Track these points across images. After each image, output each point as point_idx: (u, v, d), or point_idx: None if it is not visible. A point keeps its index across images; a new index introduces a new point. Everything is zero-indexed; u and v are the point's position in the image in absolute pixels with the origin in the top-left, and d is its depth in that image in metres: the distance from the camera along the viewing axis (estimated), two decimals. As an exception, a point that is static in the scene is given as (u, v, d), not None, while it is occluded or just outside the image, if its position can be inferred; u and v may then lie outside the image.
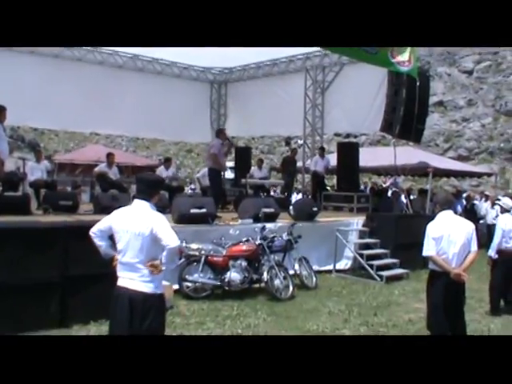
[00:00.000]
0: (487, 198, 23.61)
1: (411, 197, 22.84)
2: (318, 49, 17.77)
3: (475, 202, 23.51)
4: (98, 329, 8.32)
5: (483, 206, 22.69)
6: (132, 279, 5.24)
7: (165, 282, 10.06)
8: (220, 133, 15.44)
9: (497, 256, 10.23)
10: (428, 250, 6.96)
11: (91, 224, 9.92)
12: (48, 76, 17.86)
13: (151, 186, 5.50)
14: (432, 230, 6.98)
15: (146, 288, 5.20)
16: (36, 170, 15.25)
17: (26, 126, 34.38)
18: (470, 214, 19.80)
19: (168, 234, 5.15)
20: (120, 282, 5.31)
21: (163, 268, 5.18)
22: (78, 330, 8.22)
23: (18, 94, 16.03)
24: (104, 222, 5.48)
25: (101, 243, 5.56)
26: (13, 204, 12.73)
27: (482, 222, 20.98)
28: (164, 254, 5.12)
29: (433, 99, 40.49)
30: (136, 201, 5.37)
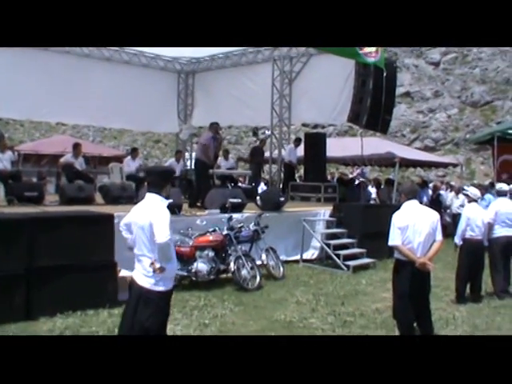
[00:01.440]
0: (452, 188, 23.90)
1: (381, 187, 23.03)
2: (285, 39, 17.71)
3: (441, 192, 23.76)
4: (65, 321, 8.28)
5: (448, 196, 22.96)
6: (138, 271, 5.39)
7: (131, 273, 10.06)
8: (211, 126, 15.33)
9: (461, 243, 10.37)
10: (393, 239, 7.03)
11: (57, 215, 9.88)
12: (13, 65, 17.53)
13: (162, 178, 5.59)
14: (397, 219, 7.05)
15: (145, 283, 5.29)
16: (1, 161, 15.02)
17: (-13, 116, 33.98)
18: (436, 203, 20.03)
19: (159, 228, 5.15)
20: (132, 273, 5.51)
21: (157, 266, 5.19)
22: (44, 323, 8.16)
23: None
24: (127, 217, 5.57)
25: (127, 236, 5.64)
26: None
27: (448, 211, 21.24)
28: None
29: (400, 90, 40.84)
30: (148, 194, 5.43)
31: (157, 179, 5.47)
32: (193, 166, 17.44)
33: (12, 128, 49.37)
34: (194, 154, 18.35)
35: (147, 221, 5.19)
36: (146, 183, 5.72)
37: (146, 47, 20.18)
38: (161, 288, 5.32)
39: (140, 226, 5.25)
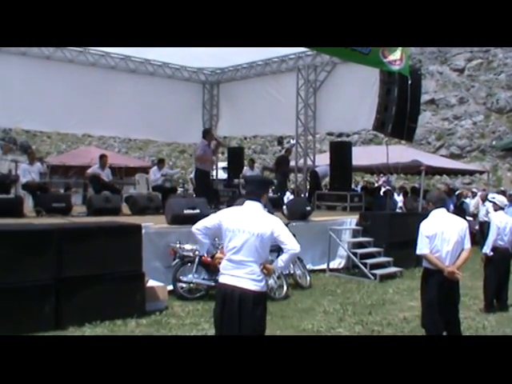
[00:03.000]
0: (475, 195, 23.73)
1: (408, 195, 22.91)
2: (309, 49, 17.72)
3: (465, 199, 23.59)
4: (93, 330, 8.33)
5: (471, 204, 22.79)
6: (242, 277, 5.27)
7: (158, 283, 10.11)
8: (206, 133, 15.48)
9: (492, 253, 10.25)
10: (421, 248, 6.98)
11: (85, 226, 9.98)
12: (40, 78, 17.77)
13: (261, 187, 5.67)
14: (425, 228, 6.99)
15: (256, 286, 5.26)
16: (29, 172, 15.21)
17: (17, 129, 34.32)
18: (460, 211, 19.86)
19: (290, 238, 5.33)
20: (226, 280, 5.34)
21: (271, 267, 5.40)
22: (73, 332, 8.22)
23: (10, 97, 16.01)
24: (211, 220, 5.49)
25: (205, 240, 5.63)
26: (5, 206, 12.74)
27: (470, 219, 21.06)
28: (284, 257, 5.32)
29: (424, 97, 40.63)
30: (248, 202, 5.45)
31: (256, 188, 5.57)
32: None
33: (39, 140, 49.90)
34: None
35: (268, 229, 5.25)
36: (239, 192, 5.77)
37: (170, 58, 20.36)
38: (265, 289, 5.48)
39: (256, 234, 5.23)
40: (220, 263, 5.40)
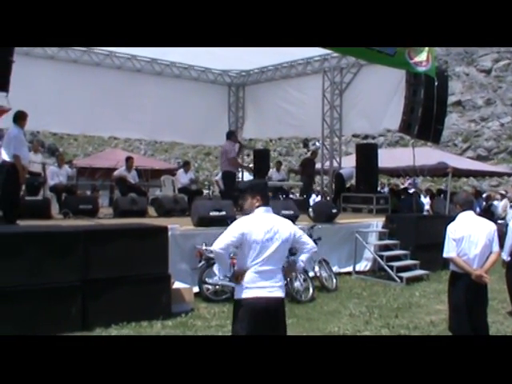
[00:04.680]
0: (503, 197, 23.48)
1: (434, 197, 22.79)
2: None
3: (493, 202, 23.37)
4: (119, 332, 8.38)
5: (500, 206, 22.57)
6: (271, 287, 5.19)
7: (184, 285, 10.14)
8: (232, 135, 15.54)
9: (510, 258, 10.00)
10: (449, 251, 6.91)
11: (112, 228, 10.03)
12: (67, 81, 17.93)
13: (267, 191, 5.73)
14: (452, 231, 6.93)
15: (282, 293, 5.26)
16: (57, 175, 15.37)
17: (45, 131, 34.64)
18: (488, 214, 19.69)
19: (307, 237, 5.54)
20: (256, 293, 5.14)
21: (294, 269, 5.68)
22: (99, 333, 8.27)
23: (38, 100, 16.12)
24: (233, 237, 5.16)
25: (228, 261, 5.44)
26: (34, 208, 12.90)
27: (500, 221, 20.83)
28: (304, 257, 5.47)
29: (451, 99, 40.29)
30: (263, 208, 5.36)
31: (267, 193, 5.61)
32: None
33: (66, 142, 50.42)
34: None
35: (291, 233, 5.27)
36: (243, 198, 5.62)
37: (195, 61, 20.44)
38: None
39: (285, 239, 5.20)
40: (242, 279, 5.17)
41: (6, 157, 10.85)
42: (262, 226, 5.21)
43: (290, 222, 5.41)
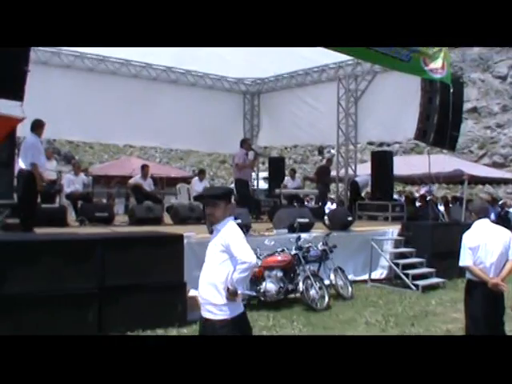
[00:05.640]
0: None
1: (450, 205, 22.70)
2: (350, 58, 17.70)
3: (509, 209, 23.23)
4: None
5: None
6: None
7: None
8: (244, 143, 15.62)
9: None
10: (464, 260, 6.87)
11: (127, 236, 10.08)
12: (83, 89, 18.07)
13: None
14: (468, 239, 6.89)
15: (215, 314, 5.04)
16: (73, 183, 15.46)
17: (61, 139, 34.83)
18: (505, 221, 19.55)
19: (243, 248, 4.99)
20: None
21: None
22: (115, 341, 8.29)
23: (54, 108, 16.23)
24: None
25: None
26: (50, 216, 12.98)
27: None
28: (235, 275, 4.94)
29: (466, 106, 40.13)
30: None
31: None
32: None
33: (82, 150, 50.62)
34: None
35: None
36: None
37: (210, 69, 20.53)
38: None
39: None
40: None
41: (23, 165, 10.95)
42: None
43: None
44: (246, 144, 15.52)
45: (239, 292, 4.93)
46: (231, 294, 4.90)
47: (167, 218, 15.48)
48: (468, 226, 7.19)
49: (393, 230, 14.99)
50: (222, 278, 5.01)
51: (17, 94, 7.82)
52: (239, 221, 5.32)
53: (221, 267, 5.04)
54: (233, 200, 5.43)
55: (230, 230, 5.05)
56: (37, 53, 15.63)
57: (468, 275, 7.08)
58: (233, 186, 20.46)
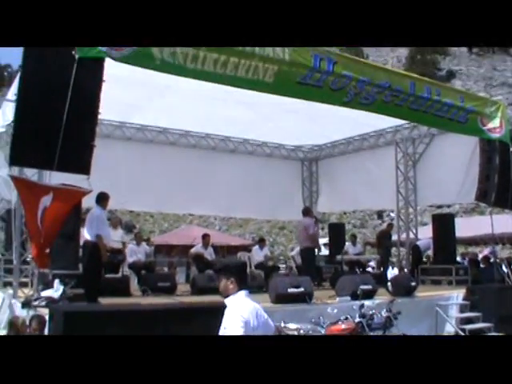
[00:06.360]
0: None
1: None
2: (406, 122, 17.71)
3: None
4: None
5: None
6: None
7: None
8: (309, 211, 15.68)
9: None
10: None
11: (191, 306, 10.11)
12: (144, 160, 18.51)
13: (244, 274, 5.67)
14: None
15: None
16: (135, 253, 15.71)
17: (122, 209, 35.51)
18: None
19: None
20: None
21: None
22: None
23: (116, 180, 16.58)
24: (241, 330, 5.34)
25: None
26: (114, 285, 13.16)
27: None
28: None
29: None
30: (244, 292, 5.59)
31: (244, 276, 5.62)
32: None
33: (142, 219, 51.45)
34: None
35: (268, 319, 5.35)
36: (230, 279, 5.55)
37: (268, 138, 20.80)
38: None
39: (263, 322, 5.26)
40: None
41: (88, 236, 11.24)
42: (251, 312, 5.28)
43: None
44: (310, 212, 15.61)
45: None
46: None
47: (229, 287, 15.50)
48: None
49: (458, 295, 14.67)
50: None
51: (84, 168, 8.13)
52: (243, 296, 5.30)
53: None
54: (233, 278, 5.52)
55: (226, 310, 5.37)
56: (100, 126, 16.11)
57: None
58: (293, 253, 20.55)
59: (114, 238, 14.50)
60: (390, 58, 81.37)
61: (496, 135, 13.13)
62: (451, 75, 75.46)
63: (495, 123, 12.95)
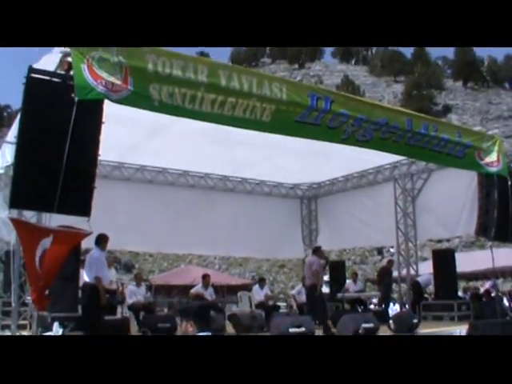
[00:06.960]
0: None
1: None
2: (404, 158, 17.78)
3: None
4: None
5: None
6: None
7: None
8: (318, 251, 15.62)
9: None
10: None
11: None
12: (142, 201, 18.49)
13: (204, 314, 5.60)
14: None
15: None
16: (135, 294, 15.64)
17: (122, 249, 35.44)
18: None
19: None
20: None
21: None
22: None
23: (115, 220, 16.59)
24: None
25: None
26: (113, 327, 13.02)
27: None
28: None
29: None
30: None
31: (203, 316, 5.57)
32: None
33: (142, 259, 51.35)
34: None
35: None
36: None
37: (266, 176, 20.83)
38: None
39: None
40: None
41: (87, 278, 11.22)
42: None
43: None
44: (319, 251, 15.56)
45: None
46: None
47: (229, 327, 15.39)
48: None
49: (460, 330, 14.56)
50: None
51: (85, 210, 8.14)
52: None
53: None
54: (191, 320, 5.51)
55: None
56: (99, 167, 16.08)
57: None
58: (293, 291, 20.44)
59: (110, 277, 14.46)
60: (387, 94, 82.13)
61: (494, 169, 13.18)
62: (447, 110, 76.12)
63: (492, 157, 13.01)
